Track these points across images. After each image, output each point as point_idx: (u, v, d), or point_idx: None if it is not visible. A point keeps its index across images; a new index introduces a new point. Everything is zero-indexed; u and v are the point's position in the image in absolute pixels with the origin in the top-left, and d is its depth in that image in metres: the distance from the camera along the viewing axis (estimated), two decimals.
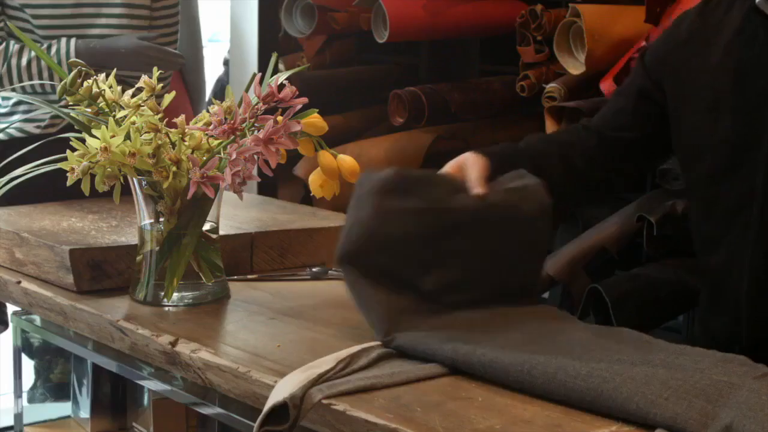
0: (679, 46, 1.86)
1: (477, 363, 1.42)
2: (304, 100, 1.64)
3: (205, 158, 1.66)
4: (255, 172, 1.66)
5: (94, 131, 1.66)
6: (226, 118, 1.64)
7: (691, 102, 1.83)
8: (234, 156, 1.62)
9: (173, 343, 1.60)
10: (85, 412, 2.20)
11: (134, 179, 1.73)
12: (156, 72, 1.77)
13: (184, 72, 3.39)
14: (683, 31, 1.86)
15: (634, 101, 1.92)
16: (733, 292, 1.79)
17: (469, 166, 1.70)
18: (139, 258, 1.77)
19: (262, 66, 3.67)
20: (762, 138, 1.73)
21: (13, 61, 2.50)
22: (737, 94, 1.76)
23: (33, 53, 2.49)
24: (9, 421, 2.22)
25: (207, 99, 3.59)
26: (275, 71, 1.75)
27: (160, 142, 1.65)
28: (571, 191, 1.92)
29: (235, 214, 2.12)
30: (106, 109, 1.73)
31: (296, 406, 1.33)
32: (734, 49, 1.78)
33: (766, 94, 1.73)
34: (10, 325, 2.14)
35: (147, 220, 1.77)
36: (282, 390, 1.36)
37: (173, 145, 1.67)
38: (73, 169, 1.65)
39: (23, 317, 2.05)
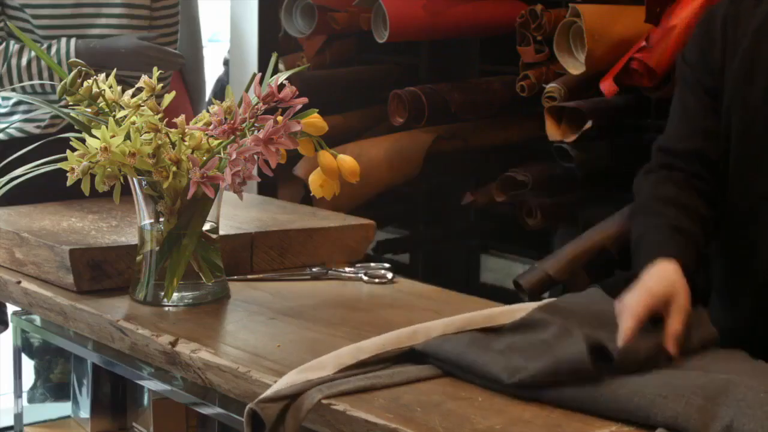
0: (715, 42, 1.80)
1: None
2: (304, 100, 1.64)
3: (205, 158, 1.66)
4: (255, 172, 1.67)
5: (94, 131, 1.67)
6: (226, 118, 1.64)
7: (725, 94, 1.78)
8: (234, 156, 1.62)
9: (173, 343, 1.60)
10: (85, 412, 2.20)
11: (134, 179, 1.73)
12: (156, 72, 1.77)
13: (184, 72, 3.39)
14: (717, 23, 1.81)
15: (708, 113, 1.80)
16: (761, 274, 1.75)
17: (624, 312, 1.49)
18: (139, 258, 1.77)
19: (262, 66, 3.66)
20: None
21: (13, 61, 2.50)
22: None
23: (33, 53, 2.49)
24: (9, 421, 2.22)
25: (207, 99, 3.59)
26: (275, 71, 1.75)
27: (160, 142, 1.65)
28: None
29: (235, 214, 2.12)
30: (106, 109, 1.73)
31: (280, 406, 1.34)
32: (764, 39, 1.75)
33: None
34: (10, 325, 2.14)
35: (147, 220, 1.77)
36: (276, 388, 1.37)
37: (173, 145, 1.67)
38: (73, 169, 1.65)
39: (23, 317, 2.05)
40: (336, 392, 1.37)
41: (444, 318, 1.57)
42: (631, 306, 1.48)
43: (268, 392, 1.36)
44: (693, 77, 1.84)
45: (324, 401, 1.36)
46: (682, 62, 1.89)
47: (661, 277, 1.54)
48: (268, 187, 3.47)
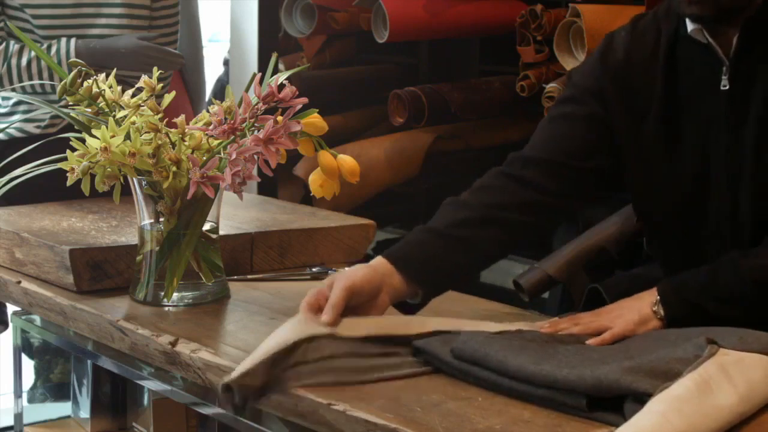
0: (610, 79, 1.77)
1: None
2: (304, 100, 1.64)
3: (205, 158, 1.66)
4: (255, 172, 1.66)
5: (94, 131, 1.66)
6: (226, 118, 1.64)
7: (642, 136, 1.75)
8: (234, 156, 1.62)
9: (173, 343, 1.60)
10: (85, 412, 2.20)
11: (134, 179, 1.73)
12: (156, 72, 1.77)
13: (184, 72, 3.38)
14: (615, 60, 1.77)
15: (583, 127, 1.78)
16: None
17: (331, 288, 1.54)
18: (139, 258, 1.77)
19: (262, 66, 3.66)
20: (719, 167, 1.70)
21: (13, 61, 2.50)
22: (693, 129, 1.72)
23: (33, 53, 2.49)
24: (9, 421, 2.22)
25: (207, 99, 3.59)
26: (275, 71, 1.75)
27: (160, 142, 1.65)
28: (529, 232, 1.77)
29: (235, 214, 2.12)
30: (106, 109, 1.73)
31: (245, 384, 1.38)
32: (676, 80, 1.73)
33: (718, 120, 1.69)
34: (10, 325, 2.14)
35: (147, 220, 1.77)
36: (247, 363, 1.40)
37: (173, 145, 1.67)
38: (73, 169, 1.65)
39: (23, 317, 2.05)
40: (313, 383, 1.41)
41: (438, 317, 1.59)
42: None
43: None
44: (575, 98, 1.80)
45: (324, 401, 1.36)
46: (571, 81, 1.85)
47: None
48: (268, 187, 3.47)
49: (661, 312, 1.58)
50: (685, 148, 1.73)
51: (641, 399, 1.28)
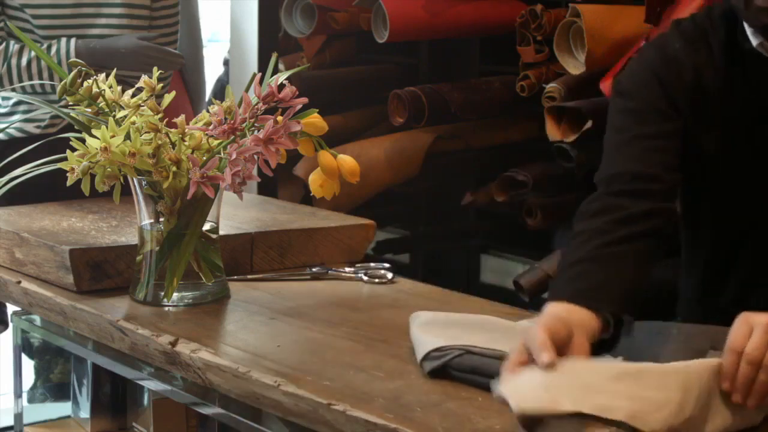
0: (677, 92, 1.76)
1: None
2: (304, 100, 1.64)
3: (205, 158, 1.66)
4: (255, 172, 1.66)
5: (94, 131, 1.67)
6: (226, 118, 1.64)
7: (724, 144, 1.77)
8: (234, 156, 1.62)
9: (173, 343, 1.60)
10: (85, 412, 2.20)
11: (134, 179, 1.73)
12: (156, 72, 1.77)
13: (184, 72, 3.38)
14: (676, 74, 1.76)
15: (665, 140, 1.74)
16: None
17: (530, 342, 1.38)
18: (139, 258, 1.77)
19: (262, 66, 3.66)
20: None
21: (13, 61, 2.50)
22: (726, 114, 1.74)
23: (33, 53, 2.49)
24: (9, 421, 2.22)
25: (207, 99, 3.59)
26: (275, 71, 1.75)
27: (160, 142, 1.65)
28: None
29: (235, 214, 2.12)
30: (106, 109, 1.73)
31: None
32: (734, 92, 1.74)
33: (751, 116, 1.72)
34: (10, 325, 2.14)
35: (147, 220, 1.77)
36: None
37: (173, 145, 1.67)
38: (73, 169, 1.65)
39: (23, 317, 2.05)
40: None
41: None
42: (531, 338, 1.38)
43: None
44: (641, 104, 1.78)
45: (324, 401, 1.36)
46: (621, 92, 1.82)
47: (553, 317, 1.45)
48: (268, 187, 3.47)
49: None
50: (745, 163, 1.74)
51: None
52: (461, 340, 1.47)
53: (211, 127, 1.65)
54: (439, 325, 1.55)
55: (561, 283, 1.56)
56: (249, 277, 1.96)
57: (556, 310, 1.46)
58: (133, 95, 1.75)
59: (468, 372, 1.43)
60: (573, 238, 1.65)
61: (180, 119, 1.69)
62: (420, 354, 1.48)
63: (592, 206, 1.68)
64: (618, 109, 1.81)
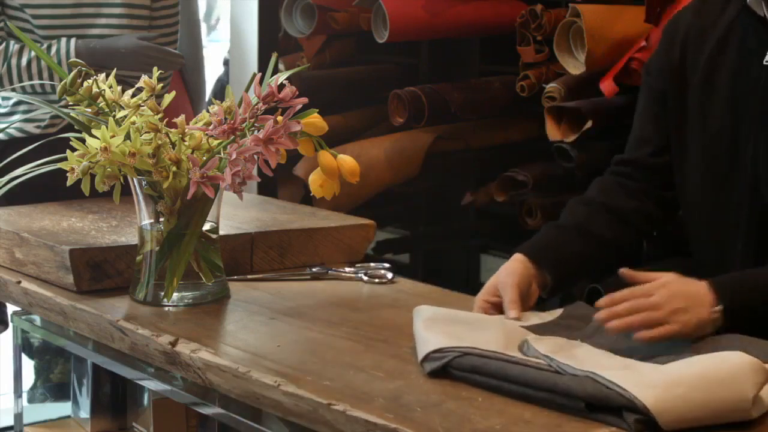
0: (676, 46, 1.85)
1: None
2: (304, 100, 1.64)
3: (205, 158, 1.66)
4: (255, 172, 1.66)
5: (94, 131, 1.66)
6: (226, 118, 1.64)
7: (687, 100, 1.83)
8: (234, 156, 1.62)
9: (173, 343, 1.60)
10: (85, 412, 2.20)
11: (134, 179, 1.73)
12: (156, 72, 1.77)
13: (184, 72, 3.38)
14: (680, 32, 1.86)
15: (654, 126, 1.89)
16: None
17: (502, 289, 1.71)
18: (139, 258, 1.77)
19: (262, 66, 3.66)
20: (749, 138, 1.74)
21: (13, 61, 2.50)
22: (729, 92, 1.77)
23: (33, 53, 2.49)
24: (9, 421, 2.22)
25: (207, 99, 3.59)
26: (275, 71, 1.75)
27: (160, 142, 1.65)
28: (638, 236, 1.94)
29: (235, 214, 2.12)
30: (106, 109, 1.73)
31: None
32: (727, 47, 1.79)
33: (755, 92, 1.73)
34: (10, 325, 2.14)
35: (147, 220, 1.77)
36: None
37: (173, 145, 1.67)
38: (73, 169, 1.65)
39: (23, 317, 2.05)
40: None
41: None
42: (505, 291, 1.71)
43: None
44: (647, 84, 1.90)
45: (324, 401, 1.36)
46: (645, 69, 1.94)
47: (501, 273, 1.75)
48: (268, 187, 3.47)
49: (720, 322, 1.55)
50: (716, 115, 1.78)
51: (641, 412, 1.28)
52: (464, 341, 1.47)
53: (211, 127, 1.65)
54: (442, 323, 1.55)
55: (534, 238, 1.86)
56: (249, 277, 1.96)
57: (522, 261, 1.76)
58: (133, 95, 1.75)
59: (468, 371, 1.43)
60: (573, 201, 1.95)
61: (180, 119, 1.69)
62: (421, 354, 1.48)
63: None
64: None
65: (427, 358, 1.47)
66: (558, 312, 1.67)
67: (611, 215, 1.86)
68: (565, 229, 1.86)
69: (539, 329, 1.59)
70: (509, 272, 1.73)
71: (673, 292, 1.56)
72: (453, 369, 1.45)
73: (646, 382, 1.31)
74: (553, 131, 2.98)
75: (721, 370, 1.33)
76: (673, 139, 1.86)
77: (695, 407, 1.28)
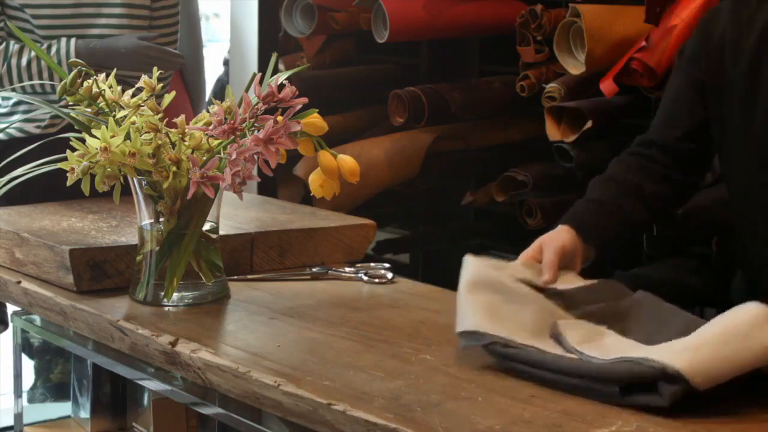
0: (713, 45, 1.88)
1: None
2: (304, 100, 1.64)
3: (205, 158, 1.66)
4: (255, 172, 1.66)
5: (94, 131, 1.67)
6: (226, 118, 1.64)
7: (727, 93, 1.85)
8: (234, 156, 1.62)
9: (173, 343, 1.60)
10: (85, 412, 2.20)
11: (134, 179, 1.73)
12: (156, 72, 1.77)
13: (184, 72, 3.39)
14: (719, 25, 1.88)
15: (687, 112, 1.93)
16: None
17: (545, 248, 1.75)
18: (139, 258, 1.77)
19: (262, 66, 3.66)
20: None
21: (13, 61, 2.50)
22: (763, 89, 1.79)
23: (33, 53, 2.49)
24: (9, 421, 2.22)
25: (207, 99, 3.59)
26: (275, 71, 1.75)
27: (160, 142, 1.65)
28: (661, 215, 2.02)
29: (235, 214, 2.12)
30: (106, 109, 1.73)
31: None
32: (760, 47, 1.81)
33: None
34: (10, 325, 2.14)
35: (147, 220, 1.77)
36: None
37: (173, 145, 1.67)
38: (73, 169, 1.65)
39: (23, 317, 2.05)
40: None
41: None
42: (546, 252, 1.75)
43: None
44: (682, 69, 1.93)
45: (324, 401, 1.36)
46: (679, 55, 1.97)
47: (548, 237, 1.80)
48: (268, 187, 3.47)
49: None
50: (761, 110, 1.80)
51: (674, 379, 1.31)
52: (500, 323, 1.50)
53: (211, 127, 1.65)
54: (483, 288, 1.58)
55: (573, 212, 1.89)
56: (249, 277, 1.96)
57: (569, 231, 1.81)
58: (133, 95, 1.75)
59: (501, 357, 1.47)
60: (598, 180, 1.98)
61: (180, 119, 1.69)
62: (460, 326, 1.52)
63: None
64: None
65: (463, 334, 1.50)
66: (593, 282, 1.71)
67: (637, 198, 1.90)
68: (607, 208, 1.89)
69: (571, 301, 1.64)
70: (556, 237, 1.78)
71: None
72: (486, 350, 1.48)
73: (674, 349, 1.35)
74: (553, 131, 2.98)
75: (740, 324, 1.37)
76: (715, 130, 1.89)
77: (724, 363, 1.32)
